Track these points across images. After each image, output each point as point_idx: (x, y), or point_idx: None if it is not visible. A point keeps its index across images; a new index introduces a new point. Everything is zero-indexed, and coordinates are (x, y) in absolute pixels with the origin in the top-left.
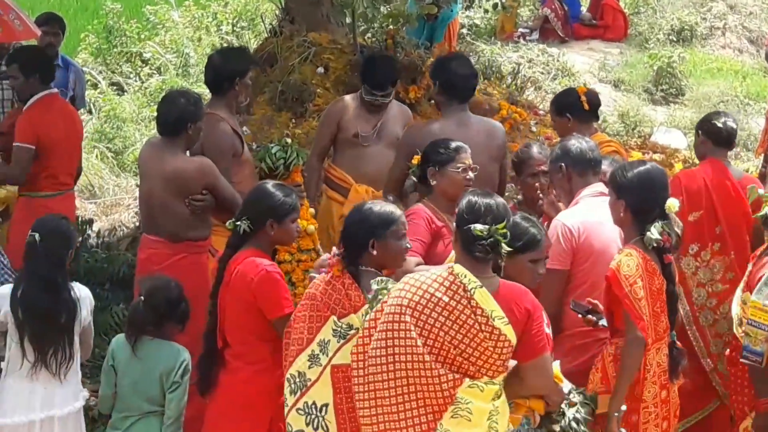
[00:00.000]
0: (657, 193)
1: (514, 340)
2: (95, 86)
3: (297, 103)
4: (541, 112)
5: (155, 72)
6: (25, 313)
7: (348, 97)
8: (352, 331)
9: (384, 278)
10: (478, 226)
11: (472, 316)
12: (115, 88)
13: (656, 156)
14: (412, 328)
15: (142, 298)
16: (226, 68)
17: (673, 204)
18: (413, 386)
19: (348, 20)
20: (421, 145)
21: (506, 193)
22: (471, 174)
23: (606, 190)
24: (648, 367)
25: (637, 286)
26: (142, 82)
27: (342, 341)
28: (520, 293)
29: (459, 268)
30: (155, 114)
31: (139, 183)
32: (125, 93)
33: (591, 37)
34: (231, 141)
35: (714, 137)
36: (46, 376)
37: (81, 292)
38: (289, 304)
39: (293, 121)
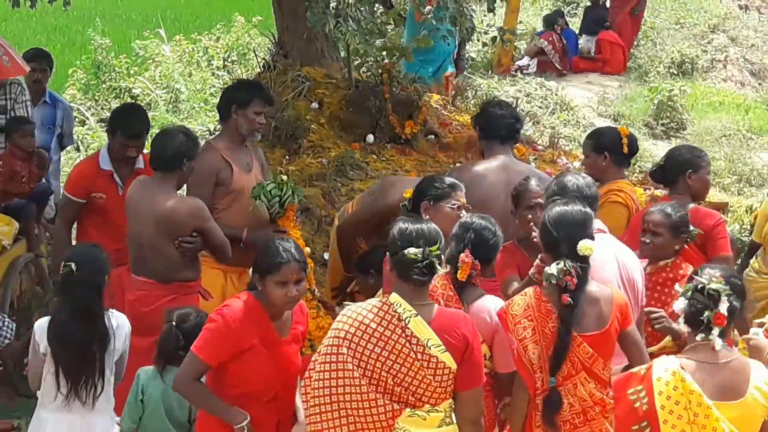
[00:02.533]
0: (565, 231)
1: (453, 366)
2: (83, 123)
3: (291, 140)
4: (539, 148)
5: (145, 108)
6: (59, 343)
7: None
8: None
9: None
10: (412, 250)
11: (407, 345)
12: (103, 124)
13: (658, 192)
14: (349, 359)
15: (174, 324)
16: (228, 96)
17: (585, 246)
18: (351, 417)
19: (343, 54)
20: (466, 185)
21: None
22: (464, 213)
23: (604, 227)
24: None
25: (521, 326)
26: None
27: None
28: (457, 320)
29: (395, 297)
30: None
31: (128, 223)
32: None
33: (590, 71)
34: (212, 169)
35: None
36: (79, 407)
37: (118, 320)
38: (201, 350)
39: (287, 157)
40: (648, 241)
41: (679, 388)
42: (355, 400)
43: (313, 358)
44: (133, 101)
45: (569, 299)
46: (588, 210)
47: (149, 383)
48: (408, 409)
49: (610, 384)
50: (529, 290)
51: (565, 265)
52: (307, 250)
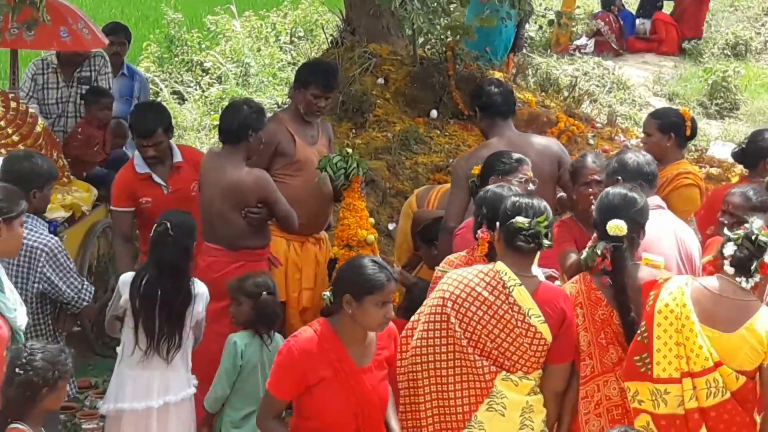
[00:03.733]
0: (603, 214)
1: (549, 338)
2: (157, 95)
3: (357, 114)
4: (598, 125)
5: (215, 81)
6: (142, 299)
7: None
8: None
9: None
10: (520, 219)
11: (510, 311)
12: (176, 96)
13: (713, 170)
14: (453, 319)
15: (266, 292)
16: (297, 72)
17: (612, 225)
18: (453, 376)
19: (408, 32)
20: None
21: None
22: (531, 186)
23: (663, 204)
24: (588, 399)
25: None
26: (203, 91)
27: None
28: (558, 295)
29: (501, 266)
30: (216, 122)
31: (201, 192)
32: (186, 102)
33: (645, 51)
34: (272, 140)
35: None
36: (158, 363)
37: (199, 288)
38: (272, 386)
39: (353, 131)
40: (726, 221)
41: (678, 299)
42: (458, 357)
43: (412, 318)
44: (204, 73)
45: (608, 280)
46: (631, 194)
47: (247, 348)
48: (503, 372)
49: None
50: (579, 277)
51: (596, 247)
52: (372, 220)
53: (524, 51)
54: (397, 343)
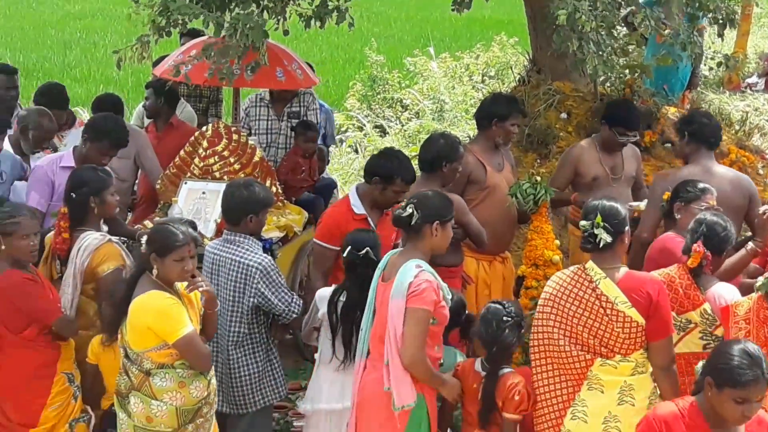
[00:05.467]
0: None
1: (640, 320)
2: (361, 129)
3: (541, 145)
4: (767, 156)
5: (414, 116)
6: (342, 316)
7: (583, 143)
8: (691, 325)
9: None
10: (582, 222)
11: (597, 302)
12: (378, 130)
13: None
14: (552, 316)
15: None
16: (489, 109)
17: None
18: (552, 365)
19: (589, 71)
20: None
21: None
22: None
23: None
24: None
25: (737, 327)
26: (402, 125)
27: (682, 333)
28: (643, 281)
29: (590, 264)
30: (415, 153)
31: None
32: (387, 135)
33: None
34: (466, 167)
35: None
36: (352, 369)
37: None
38: None
39: (538, 161)
40: None
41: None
42: (555, 350)
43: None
44: (403, 109)
45: None
46: None
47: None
48: (599, 359)
49: None
50: (754, 296)
51: None
52: (557, 242)
53: (698, 88)
54: None
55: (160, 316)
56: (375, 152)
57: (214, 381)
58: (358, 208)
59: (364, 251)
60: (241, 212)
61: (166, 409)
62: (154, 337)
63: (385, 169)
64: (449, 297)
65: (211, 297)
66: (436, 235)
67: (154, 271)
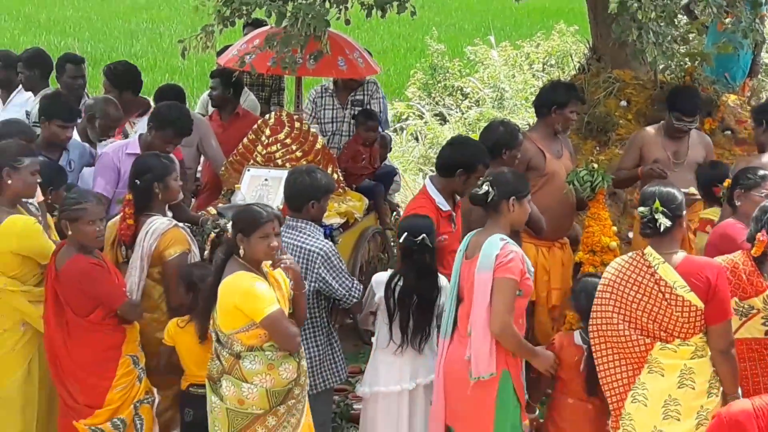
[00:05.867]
0: None
1: (700, 305)
2: (421, 117)
3: (601, 133)
4: None
5: (474, 104)
6: (399, 301)
7: (649, 128)
8: (753, 311)
9: None
10: (641, 208)
11: (656, 287)
12: (438, 118)
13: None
14: (611, 302)
15: None
16: (548, 97)
17: None
18: (611, 349)
19: (649, 59)
20: None
21: None
22: None
23: None
24: None
25: None
26: (462, 114)
27: (744, 318)
28: (702, 266)
29: (648, 249)
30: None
31: None
32: (447, 123)
33: None
34: (526, 154)
35: None
36: (409, 352)
37: (443, 281)
38: None
39: (597, 148)
40: None
41: None
42: (614, 335)
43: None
44: (464, 97)
45: None
46: None
47: None
48: (659, 343)
49: None
50: None
51: None
52: (614, 228)
53: (759, 76)
54: None
55: (247, 295)
56: (438, 143)
57: (304, 363)
58: (444, 205)
59: (420, 237)
60: (303, 198)
61: (256, 392)
62: (243, 317)
63: (465, 158)
64: (532, 270)
65: (297, 275)
66: (513, 210)
67: (241, 252)
